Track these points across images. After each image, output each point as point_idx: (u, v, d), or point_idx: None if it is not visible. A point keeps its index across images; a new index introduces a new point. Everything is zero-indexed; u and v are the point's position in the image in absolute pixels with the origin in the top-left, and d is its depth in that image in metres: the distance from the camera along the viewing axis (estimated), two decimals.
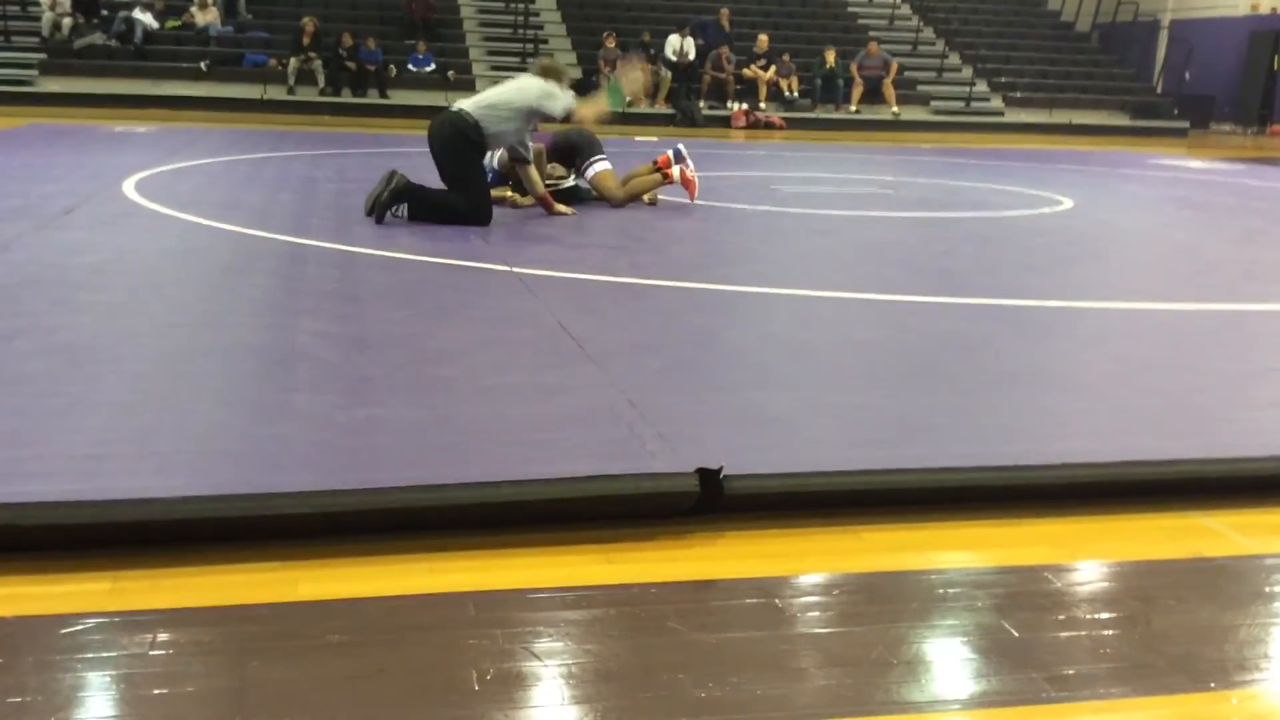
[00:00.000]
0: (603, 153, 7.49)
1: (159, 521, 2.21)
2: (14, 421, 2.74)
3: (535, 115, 6.46)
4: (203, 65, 17.12)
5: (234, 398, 3.05)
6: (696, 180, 7.63)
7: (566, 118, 6.63)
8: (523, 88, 6.45)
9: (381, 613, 2.00)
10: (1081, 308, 4.79)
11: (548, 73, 6.65)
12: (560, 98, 6.45)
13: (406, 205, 6.21)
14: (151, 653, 1.84)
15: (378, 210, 6.13)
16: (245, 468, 2.51)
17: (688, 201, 7.61)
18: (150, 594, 2.03)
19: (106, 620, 1.94)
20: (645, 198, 7.51)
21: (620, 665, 1.85)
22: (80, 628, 1.91)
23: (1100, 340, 4.21)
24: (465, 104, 6.42)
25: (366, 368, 3.36)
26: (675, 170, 7.56)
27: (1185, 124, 20.78)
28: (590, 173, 7.38)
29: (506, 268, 4.99)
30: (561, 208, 6.84)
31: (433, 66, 17.85)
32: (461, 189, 6.33)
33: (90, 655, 1.83)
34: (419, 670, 1.81)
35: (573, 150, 7.45)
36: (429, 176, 6.51)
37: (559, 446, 2.70)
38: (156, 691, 1.73)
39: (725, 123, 17.92)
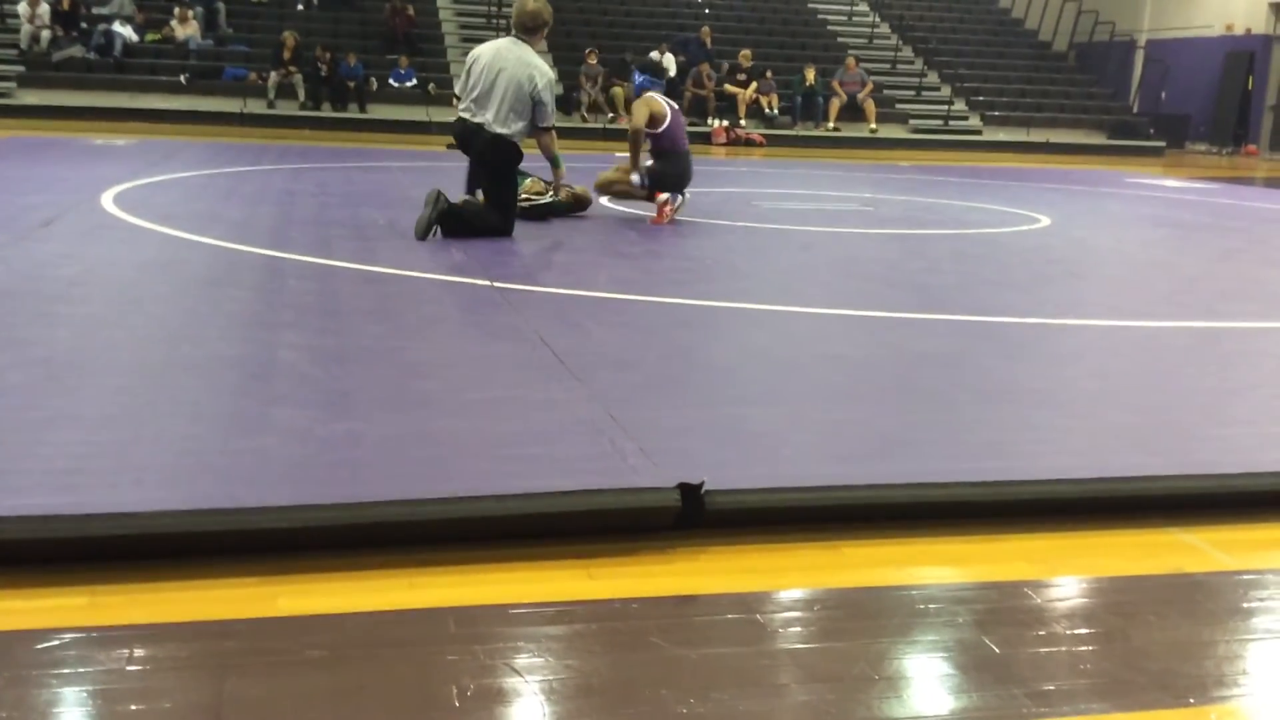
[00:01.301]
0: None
1: (136, 536, 2.19)
2: None
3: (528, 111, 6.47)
4: (183, 79, 17.08)
5: (213, 411, 3.03)
6: (669, 214, 7.58)
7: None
8: (525, 83, 6.37)
9: (361, 628, 1.98)
10: (1059, 325, 4.82)
11: (528, 26, 6.56)
12: (550, 105, 6.49)
13: (440, 225, 6.23)
14: (128, 668, 1.82)
15: (422, 228, 6.14)
16: (224, 482, 2.50)
17: (654, 218, 7.55)
18: (127, 609, 2.02)
19: (83, 635, 1.92)
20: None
21: (601, 681, 1.85)
22: (56, 643, 1.89)
23: (1078, 357, 4.23)
24: (491, 119, 6.37)
25: (346, 382, 3.35)
26: (663, 195, 7.59)
27: (1161, 143, 20.97)
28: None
29: (487, 282, 4.98)
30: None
31: (414, 81, 17.86)
32: (500, 205, 6.48)
33: (66, 671, 1.81)
34: (399, 686, 1.80)
35: (686, 181, 7.71)
36: (412, 193, 6.50)
37: (540, 461, 2.70)
38: (133, 707, 1.71)
39: (705, 139, 17.98)
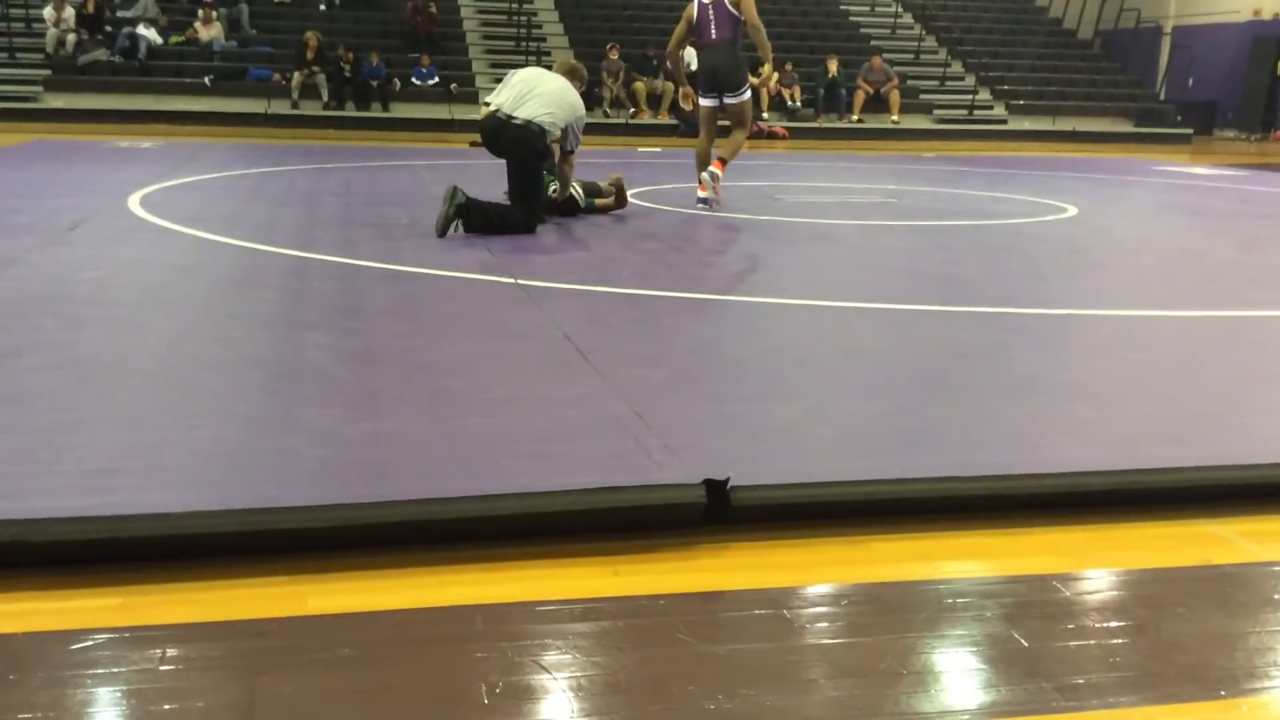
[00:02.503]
0: (748, 81, 7.98)
1: (168, 537, 2.21)
2: (23, 438, 2.74)
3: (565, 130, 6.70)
4: (207, 80, 17.18)
5: (241, 412, 3.06)
6: (708, 193, 7.85)
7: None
8: (563, 99, 6.62)
9: (390, 626, 2.00)
10: (1087, 315, 4.79)
11: (574, 74, 6.94)
12: (578, 134, 6.79)
13: (462, 220, 6.27)
14: (161, 668, 1.84)
15: (440, 225, 6.18)
16: (253, 482, 2.52)
17: (689, 210, 7.64)
18: (160, 609, 2.04)
19: (116, 636, 1.94)
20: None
21: (629, 677, 1.85)
22: (90, 643, 1.91)
23: (1106, 348, 4.21)
24: (525, 111, 6.48)
25: (373, 381, 3.36)
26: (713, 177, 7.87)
27: (1189, 130, 20.78)
28: (735, 100, 7.89)
29: (511, 280, 4.99)
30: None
31: (436, 80, 17.92)
32: (524, 200, 6.56)
33: (100, 671, 1.83)
34: (428, 684, 1.81)
35: (715, 75, 7.87)
36: (435, 191, 6.52)
37: (565, 458, 2.71)
38: (166, 707, 1.73)
39: (726, 132, 17.92)
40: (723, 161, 7.87)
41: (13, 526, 2.17)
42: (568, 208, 7.28)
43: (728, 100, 7.88)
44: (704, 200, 7.80)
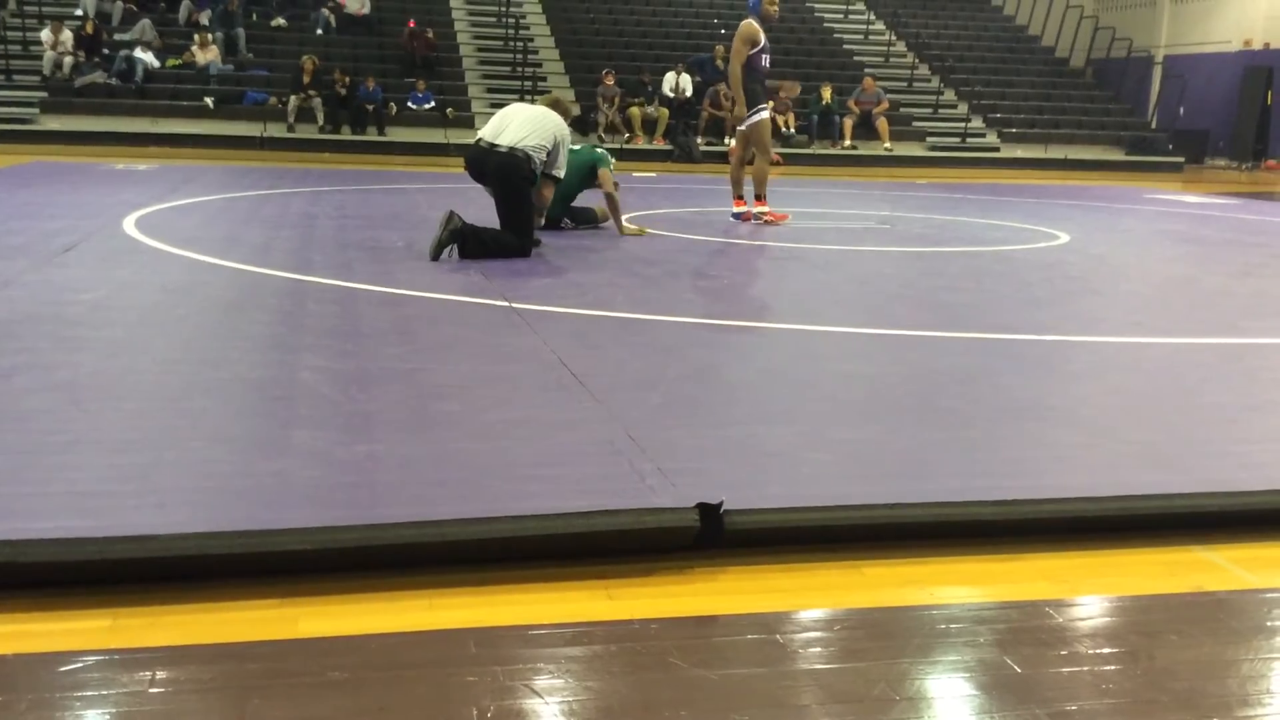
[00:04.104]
0: (766, 104, 8.71)
1: (159, 558, 2.20)
2: (14, 459, 2.74)
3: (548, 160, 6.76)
4: (209, 102, 17.21)
5: (234, 434, 3.05)
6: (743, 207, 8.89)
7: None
8: (543, 121, 6.70)
9: (382, 650, 1.99)
10: (1079, 342, 4.81)
11: (557, 105, 7.04)
12: (563, 157, 6.83)
13: (457, 245, 6.28)
14: (151, 690, 1.83)
15: (434, 249, 6.19)
16: (245, 504, 2.51)
17: (682, 234, 7.68)
18: (150, 631, 2.03)
19: (105, 658, 1.93)
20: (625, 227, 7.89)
21: (621, 702, 1.84)
22: (79, 665, 1.90)
23: (1098, 374, 4.22)
24: (510, 140, 6.57)
25: (366, 404, 3.36)
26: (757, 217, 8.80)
27: (1180, 159, 20.91)
28: (750, 120, 8.65)
29: (505, 303, 5.00)
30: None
31: (432, 104, 17.98)
32: (516, 226, 6.59)
33: (89, 693, 1.82)
34: (419, 708, 1.80)
35: (735, 105, 8.75)
36: (430, 214, 6.54)
37: (559, 481, 2.70)
38: None
39: (722, 158, 18.00)
40: (758, 197, 8.85)
41: (3, 547, 2.15)
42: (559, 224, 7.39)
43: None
44: (737, 215, 8.94)
